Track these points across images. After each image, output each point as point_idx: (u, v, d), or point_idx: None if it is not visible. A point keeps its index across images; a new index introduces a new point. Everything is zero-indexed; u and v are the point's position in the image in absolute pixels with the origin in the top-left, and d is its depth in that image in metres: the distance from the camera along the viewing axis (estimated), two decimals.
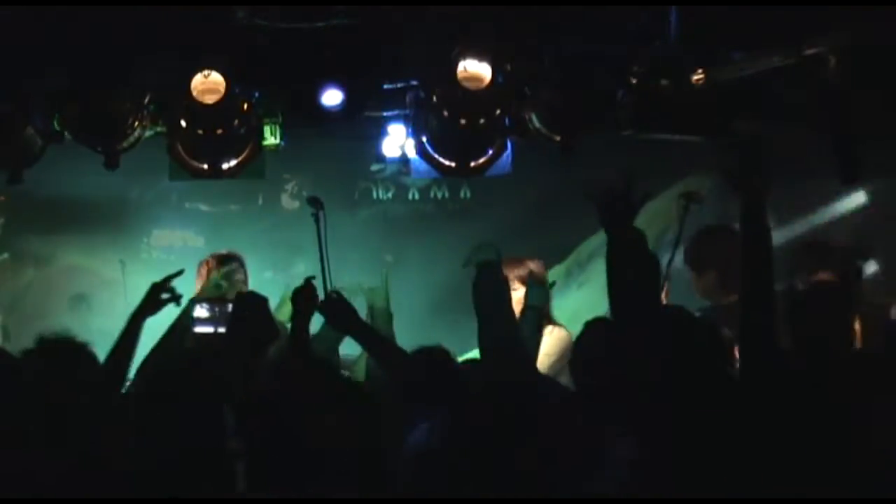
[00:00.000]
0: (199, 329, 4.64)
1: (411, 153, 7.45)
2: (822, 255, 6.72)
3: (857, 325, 6.58)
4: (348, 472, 3.77)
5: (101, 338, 7.23)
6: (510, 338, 5.21)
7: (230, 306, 4.64)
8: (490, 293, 5.28)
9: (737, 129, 7.18)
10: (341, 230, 8.29)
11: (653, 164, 8.15)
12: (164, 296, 5.43)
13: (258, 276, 8.29)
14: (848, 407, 4.57)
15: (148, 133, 6.95)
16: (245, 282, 6.78)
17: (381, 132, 7.61)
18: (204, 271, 6.72)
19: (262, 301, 4.82)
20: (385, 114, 7.44)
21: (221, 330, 4.67)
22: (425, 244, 8.21)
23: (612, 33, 6.64)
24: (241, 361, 4.42)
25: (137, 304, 5.38)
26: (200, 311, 4.73)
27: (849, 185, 6.89)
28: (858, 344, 6.50)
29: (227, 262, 6.70)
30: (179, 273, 5.55)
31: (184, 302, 5.40)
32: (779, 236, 5.78)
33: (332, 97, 6.65)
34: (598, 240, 8.56)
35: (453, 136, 7.08)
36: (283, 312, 6.50)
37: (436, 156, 7.28)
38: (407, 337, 6.93)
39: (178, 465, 3.87)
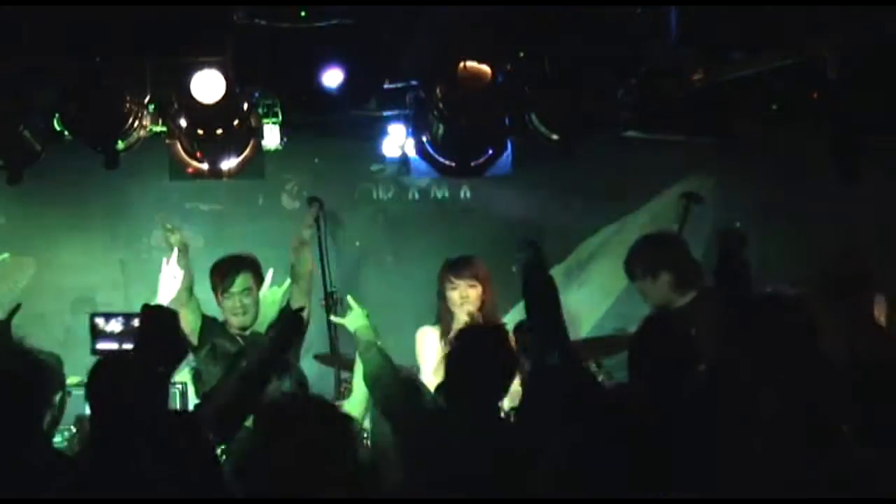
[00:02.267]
0: (101, 345, 4.30)
1: (411, 153, 7.45)
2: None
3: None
4: None
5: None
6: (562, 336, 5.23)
7: (136, 321, 4.31)
8: (539, 293, 5.24)
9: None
10: (341, 230, 8.31)
11: (653, 164, 8.17)
12: None
13: None
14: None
15: (148, 133, 6.96)
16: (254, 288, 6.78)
17: (381, 132, 7.61)
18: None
19: (171, 315, 4.51)
20: (385, 114, 7.45)
21: (127, 346, 4.35)
22: (425, 244, 8.20)
23: (612, 33, 6.64)
24: (148, 381, 4.09)
25: None
26: (104, 325, 4.39)
27: (849, 185, 6.88)
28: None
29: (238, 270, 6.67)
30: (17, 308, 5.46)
31: None
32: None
33: (333, 78, 6.65)
34: (599, 240, 8.58)
35: (453, 136, 7.08)
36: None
37: (436, 156, 7.28)
38: (407, 337, 6.94)
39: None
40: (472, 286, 6.75)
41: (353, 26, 6.47)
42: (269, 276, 6.70)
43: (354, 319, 5.83)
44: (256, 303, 6.76)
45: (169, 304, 6.34)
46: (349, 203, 8.36)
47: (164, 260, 6.50)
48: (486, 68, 6.59)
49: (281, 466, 3.54)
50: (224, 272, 6.65)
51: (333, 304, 7.50)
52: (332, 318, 6.52)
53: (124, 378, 3.97)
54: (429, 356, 6.64)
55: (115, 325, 4.33)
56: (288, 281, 6.88)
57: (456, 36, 6.57)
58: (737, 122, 7.35)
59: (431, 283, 7.22)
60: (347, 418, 3.81)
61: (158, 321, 4.35)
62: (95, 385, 4.01)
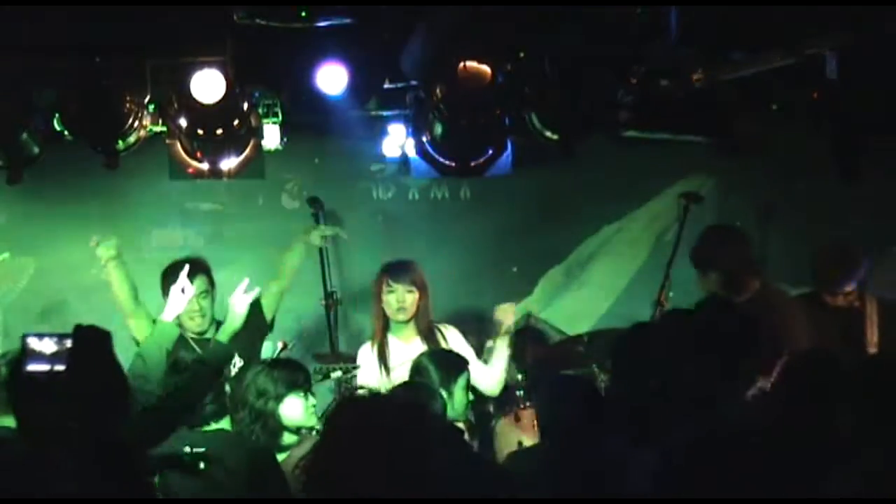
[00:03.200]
0: (32, 367, 4.16)
1: (411, 153, 7.45)
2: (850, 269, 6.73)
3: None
4: None
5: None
6: None
7: (69, 341, 4.21)
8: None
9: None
10: (341, 230, 8.31)
11: (653, 164, 8.17)
12: None
13: (258, 276, 8.30)
14: None
15: (148, 133, 6.96)
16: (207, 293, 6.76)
17: (381, 132, 7.61)
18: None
19: (104, 336, 4.32)
20: (385, 114, 7.45)
21: (59, 368, 4.22)
22: (425, 244, 8.20)
23: (612, 33, 6.63)
24: (80, 404, 3.96)
25: None
26: (35, 346, 4.23)
27: (849, 185, 6.88)
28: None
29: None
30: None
31: None
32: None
33: (334, 80, 6.65)
34: (598, 240, 8.58)
35: (453, 136, 7.08)
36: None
37: (436, 156, 7.28)
38: None
39: None
40: (409, 291, 6.76)
41: (353, 26, 6.47)
42: (243, 283, 6.60)
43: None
44: (211, 306, 6.76)
45: (174, 318, 6.35)
46: (349, 203, 8.35)
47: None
48: (486, 68, 6.59)
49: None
50: (177, 274, 6.63)
51: (333, 304, 7.51)
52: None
53: (51, 400, 3.96)
54: (369, 374, 6.70)
55: (48, 346, 4.24)
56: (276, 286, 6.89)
57: (456, 36, 6.57)
58: (737, 122, 7.35)
59: (431, 284, 7.22)
60: None
61: (91, 342, 4.34)
62: (22, 406, 4.01)
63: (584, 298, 8.48)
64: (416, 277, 6.79)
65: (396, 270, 6.80)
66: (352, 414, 3.97)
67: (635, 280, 8.38)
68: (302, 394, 5.73)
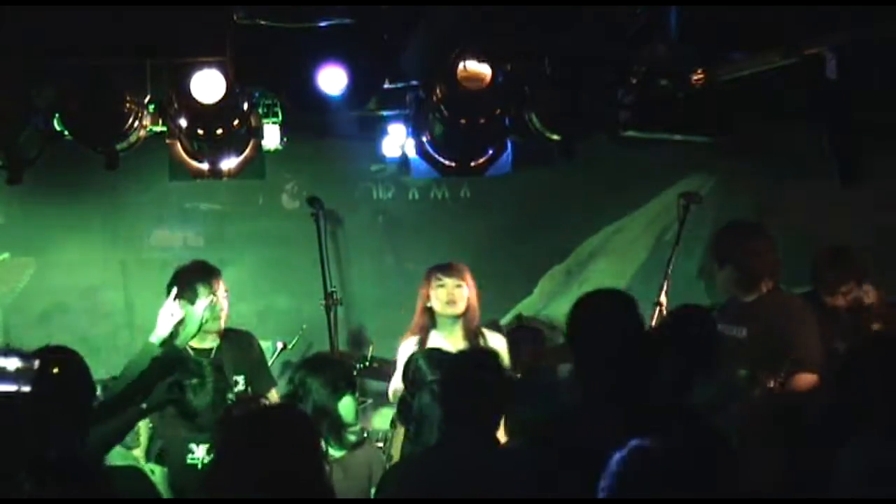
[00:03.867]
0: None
1: (411, 153, 7.45)
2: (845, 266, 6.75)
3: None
4: None
5: (100, 339, 7.30)
6: None
7: (36, 362, 4.18)
8: None
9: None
10: (341, 230, 8.31)
11: (653, 164, 8.17)
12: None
13: (258, 276, 8.31)
14: None
15: (148, 133, 6.95)
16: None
17: (381, 132, 7.61)
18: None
19: (74, 357, 4.42)
20: (385, 114, 7.45)
21: (25, 389, 4.18)
22: (425, 244, 8.20)
23: (612, 33, 6.63)
24: (46, 425, 3.96)
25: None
26: (4, 364, 4.19)
27: (849, 185, 6.88)
28: None
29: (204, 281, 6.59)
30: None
31: None
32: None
33: (334, 80, 6.65)
34: (598, 240, 8.57)
35: (453, 136, 7.08)
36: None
37: (436, 156, 7.28)
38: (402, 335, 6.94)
39: None
40: (458, 286, 6.83)
41: (353, 26, 6.47)
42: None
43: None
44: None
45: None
46: (349, 203, 8.36)
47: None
48: (486, 68, 6.59)
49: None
50: (209, 277, 6.59)
51: (333, 304, 7.51)
52: None
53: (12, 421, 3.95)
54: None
55: (12, 363, 4.20)
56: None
57: (456, 36, 6.57)
58: (736, 122, 7.36)
59: None
60: None
61: (61, 362, 4.31)
62: None
63: None
64: (465, 275, 6.92)
65: (445, 267, 6.94)
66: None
67: (635, 280, 8.38)
68: (352, 393, 5.81)
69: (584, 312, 4.69)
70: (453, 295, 6.86)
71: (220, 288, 6.58)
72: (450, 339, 6.85)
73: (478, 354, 5.70)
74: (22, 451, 3.82)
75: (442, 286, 6.87)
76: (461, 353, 6.09)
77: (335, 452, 5.76)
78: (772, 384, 6.06)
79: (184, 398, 5.61)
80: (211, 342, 6.65)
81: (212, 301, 6.42)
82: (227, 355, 6.60)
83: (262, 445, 3.89)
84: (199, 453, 5.79)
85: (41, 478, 3.74)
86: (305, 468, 3.93)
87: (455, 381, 5.07)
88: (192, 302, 6.43)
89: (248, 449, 3.90)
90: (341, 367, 5.94)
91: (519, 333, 7.92)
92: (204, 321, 6.33)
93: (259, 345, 6.92)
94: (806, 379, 6.24)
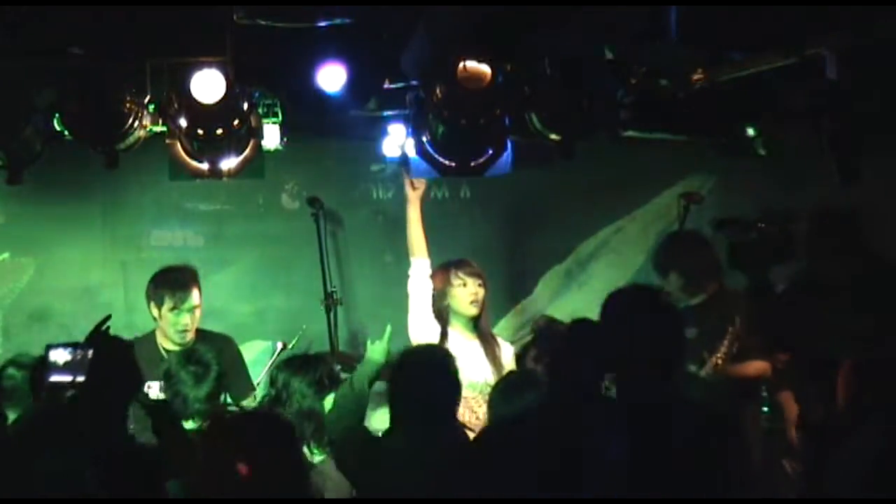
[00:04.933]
0: (55, 378, 4.19)
1: (411, 153, 7.45)
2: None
3: None
4: None
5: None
6: None
7: (90, 352, 4.20)
8: None
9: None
10: (341, 230, 8.31)
11: (653, 164, 8.17)
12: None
13: (258, 276, 8.31)
14: None
15: (148, 133, 6.95)
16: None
17: (381, 132, 7.61)
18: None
19: (124, 346, 4.53)
20: (385, 114, 7.44)
21: (80, 378, 4.22)
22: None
23: (612, 33, 6.63)
24: (102, 412, 4.12)
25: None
26: (56, 356, 4.25)
27: (849, 185, 6.88)
28: None
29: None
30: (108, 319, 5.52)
31: None
32: None
33: (334, 79, 6.65)
34: (598, 240, 8.58)
35: (453, 135, 7.07)
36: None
37: (436, 156, 7.27)
38: (406, 337, 6.94)
39: None
40: (479, 285, 6.81)
41: (353, 26, 6.46)
42: None
43: (374, 350, 5.76)
44: (196, 322, 6.77)
45: None
46: (349, 203, 8.36)
47: None
48: (486, 68, 6.59)
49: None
50: (179, 287, 6.66)
51: (333, 303, 7.51)
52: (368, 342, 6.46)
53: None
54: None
55: (66, 356, 4.29)
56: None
57: (456, 36, 6.57)
58: (737, 122, 7.36)
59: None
60: None
61: (112, 352, 4.36)
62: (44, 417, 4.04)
63: (584, 298, 8.47)
64: (481, 273, 6.87)
65: (464, 264, 6.89)
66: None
67: (635, 280, 8.37)
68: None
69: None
70: (477, 294, 6.84)
71: (189, 303, 6.63)
72: (466, 337, 6.84)
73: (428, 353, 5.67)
74: (80, 439, 3.89)
75: (464, 285, 6.83)
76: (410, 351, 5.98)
77: (317, 457, 5.68)
78: (715, 361, 6.54)
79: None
80: (185, 346, 6.67)
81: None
82: None
83: (243, 453, 3.90)
84: None
85: (107, 471, 3.80)
86: (285, 475, 3.94)
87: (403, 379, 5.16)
88: (160, 308, 6.66)
89: (227, 458, 3.91)
90: (324, 366, 5.89)
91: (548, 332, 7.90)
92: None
93: (237, 349, 6.94)
94: (756, 366, 6.76)
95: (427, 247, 6.99)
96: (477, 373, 6.65)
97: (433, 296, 6.88)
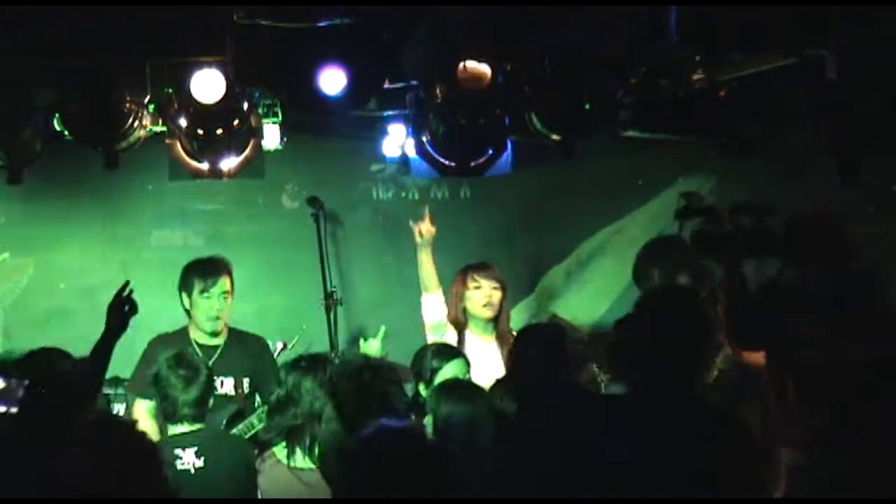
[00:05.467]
0: None
1: (411, 153, 7.45)
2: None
3: None
4: None
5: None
6: None
7: (25, 384, 4.10)
8: None
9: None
10: (341, 230, 8.31)
11: (653, 164, 8.17)
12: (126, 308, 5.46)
13: (258, 276, 8.31)
14: None
15: (148, 133, 6.96)
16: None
17: (381, 132, 7.61)
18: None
19: (61, 377, 4.50)
20: (385, 114, 7.44)
21: (13, 410, 4.09)
22: None
23: (612, 33, 6.63)
24: (35, 445, 4.06)
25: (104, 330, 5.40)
26: None
27: (849, 185, 6.88)
28: None
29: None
30: (128, 289, 5.51)
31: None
32: None
33: (333, 82, 6.64)
34: (598, 240, 8.57)
35: (453, 136, 7.08)
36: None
37: (436, 156, 7.28)
38: (406, 337, 6.94)
39: None
40: (495, 288, 6.80)
41: (353, 26, 6.47)
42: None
43: (367, 348, 5.77)
44: (228, 311, 6.76)
45: None
46: (349, 203, 8.36)
47: None
48: (486, 68, 6.59)
49: None
50: (206, 272, 6.63)
51: (333, 304, 7.51)
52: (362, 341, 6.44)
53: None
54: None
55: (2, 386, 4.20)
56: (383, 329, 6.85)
57: (456, 36, 6.57)
58: (736, 122, 7.36)
59: None
60: None
61: (50, 386, 4.35)
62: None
63: (584, 298, 8.48)
64: (499, 276, 6.85)
65: (481, 267, 6.88)
66: None
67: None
68: None
69: None
70: (491, 297, 6.82)
71: (218, 287, 6.59)
72: (483, 339, 6.84)
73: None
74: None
75: (479, 288, 6.82)
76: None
77: (307, 463, 5.57)
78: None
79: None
80: (217, 339, 6.67)
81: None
82: (231, 355, 6.63)
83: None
84: (187, 458, 5.56)
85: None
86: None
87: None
88: (190, 295, 6.61)
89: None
90: (331, 366, 5.88)
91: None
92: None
93: (271, 352, 6.93)
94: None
95: (439, 283, 6.96)
96: (492, 374, 6.64)
97: (450, 299, 6.88)
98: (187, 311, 6.72)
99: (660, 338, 4.41)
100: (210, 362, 6.43)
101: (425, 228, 6.95)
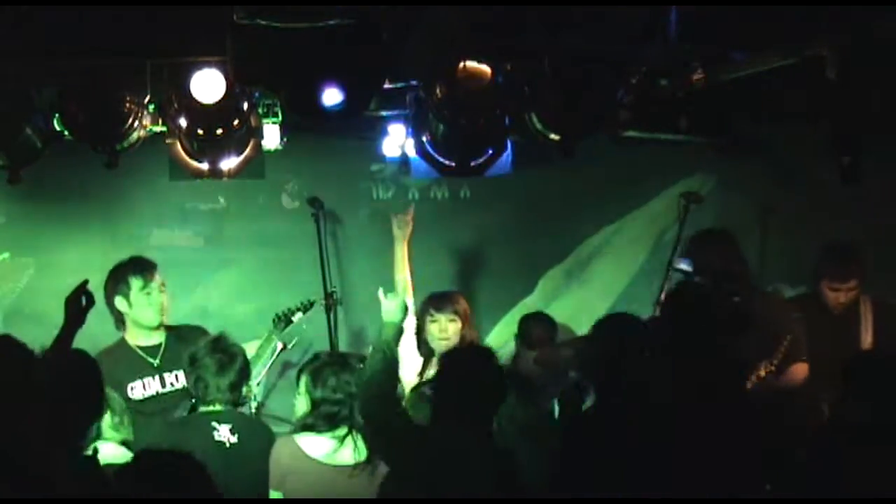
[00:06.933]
0: None
1: (411, 153, 7.45)
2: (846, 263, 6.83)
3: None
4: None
5: (101, 339, 7.24)
6: None
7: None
8: None
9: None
10: (341, 230, 8.31)
11: (653, 164, 8.17)
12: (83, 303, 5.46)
13: (258, 276, 8.31)
14: None
15: (148, 133, 6.96)
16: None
17: (381, 132, 7.61)
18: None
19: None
20: (385, 114, 7.44)
21: None
22: (425, 244, 8.19)
23: (612, 33, 6.63)
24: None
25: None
26: None
27: (849, 185, 6.89)
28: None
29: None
30: (85, 283, 5.52)
31: None
32: None
33: (332, 97, 6.64)
34: (598, 240, 8.57)
35: (453, 136, 7.08)
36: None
37: (436, 156, 7.28)
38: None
39: None
40: (451, 320, 6.75)
41: (353, 26, 6.46)
42: None
43: (388, 312, 5.71)
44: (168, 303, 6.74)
45: None
46: (349, 203, 8.35)
47: None
48: (486, 68, 6.59)
49: None
50: (142, 268, 6.61)
51: (333, 304, 7.51)
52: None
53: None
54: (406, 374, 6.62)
55: None
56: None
57: (456, 36, 6.57)
58: (737, 122, 7.36)
59: (431, 284, 7.23)
60: None
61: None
62: None
63: (584, 298, 8.48)
64: (458, 308, 6.76)
65: (439, 300, 6.80)
66: None
67: (635, 280, 8.38)
68: None
69: None
70: (446, 331, 6.75)
71: (156, 281, 6.59)
72: None
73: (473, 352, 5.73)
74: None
75: (434, 322, 6.76)
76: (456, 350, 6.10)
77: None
78: (763, 372, 6.29)
79: None
80: (157, 338, 6.65)
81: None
82: (176, 349, 6.50)
83: None
84: (223, 432, 5.65)
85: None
86: None
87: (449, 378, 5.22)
88: (128, 296, 6.58)
89: None
90: (356, 359, 5.89)
91: None
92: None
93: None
94: (801, 369, 6.56)
95: (412, 288, 6.95)
96: None
97: (416, 327, 6.87)
98: (121, 319, 6.65)
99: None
100: (156, 362, 6.46)
101: (404, 221, 6.94)
